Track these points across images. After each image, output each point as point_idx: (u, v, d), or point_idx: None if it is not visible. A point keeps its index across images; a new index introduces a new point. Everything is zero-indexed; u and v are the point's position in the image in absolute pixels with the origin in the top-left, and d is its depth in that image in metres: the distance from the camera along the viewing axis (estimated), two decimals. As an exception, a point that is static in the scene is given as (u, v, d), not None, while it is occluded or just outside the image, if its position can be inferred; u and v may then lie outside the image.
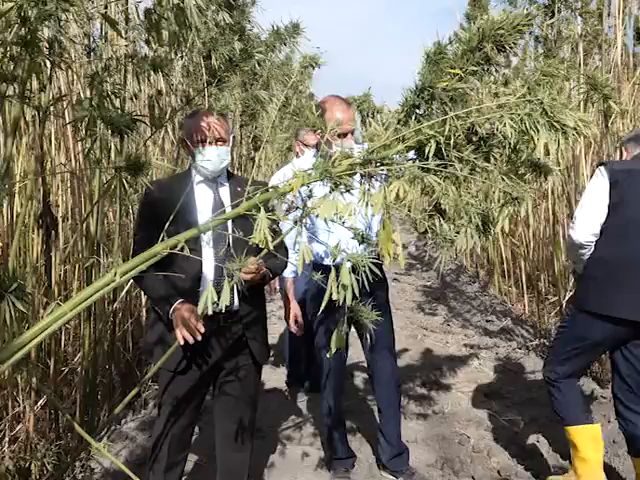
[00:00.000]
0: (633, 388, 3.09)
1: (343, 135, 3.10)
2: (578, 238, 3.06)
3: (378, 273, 1.56)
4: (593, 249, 3.07)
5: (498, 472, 3.57)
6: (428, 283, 9.23)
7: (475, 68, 1.50)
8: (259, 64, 4.67)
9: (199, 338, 2.47)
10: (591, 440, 3.19)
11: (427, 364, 5.49)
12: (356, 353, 4.40)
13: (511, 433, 4.04)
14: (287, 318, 3.60)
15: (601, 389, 4.52)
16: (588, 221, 3.05)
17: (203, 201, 2.69)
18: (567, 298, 4.82)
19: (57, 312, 1.46)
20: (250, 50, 3.98)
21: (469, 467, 3.65)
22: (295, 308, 3.58)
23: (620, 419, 3.16)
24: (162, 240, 2.44)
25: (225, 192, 2.74)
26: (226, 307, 2.57)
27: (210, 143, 2.64)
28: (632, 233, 2.99)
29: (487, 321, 6.87)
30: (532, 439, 3.92)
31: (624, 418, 3.12)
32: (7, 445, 3.18)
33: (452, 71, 1.47)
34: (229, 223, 2.59)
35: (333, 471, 3.58)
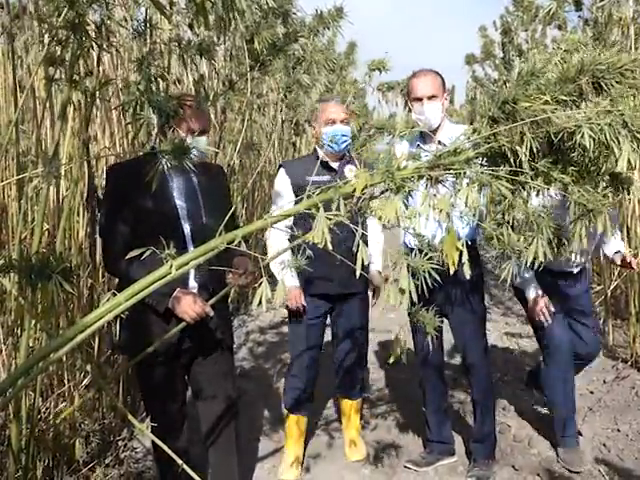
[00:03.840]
0: None
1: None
2: None
3: (437, 277, 1.54)
4: None
5: (539, 462, 3.54)
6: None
7: (565, 98, 1.43)
8: (302, 49, 4.64)
9: (210, 313, 2.55)
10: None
11: (467, 352, 5.43)
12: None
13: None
14: None
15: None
16: None
17: (175, 182, 2.69)
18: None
19: (113, 302, 1.48)
20: (293, 34, 3.95)
21: (509, 456, 3.62)
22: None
23: None
24: (138, 227, 2.49)
25: (194, 178, 2.74)
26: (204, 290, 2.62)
27: (203, 133, 2.65)
28: None
29: (529, 310, 6.77)
30: (574, 430, 3.86)
31: None
32: (52, 423, 3.24)
33: (542, 97, 1.41)
34: (202, 211, 2.64)
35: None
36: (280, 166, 3.51)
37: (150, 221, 2.55)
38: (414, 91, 3.22)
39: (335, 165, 3.39)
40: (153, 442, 2.79)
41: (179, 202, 2.65)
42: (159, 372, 2.71)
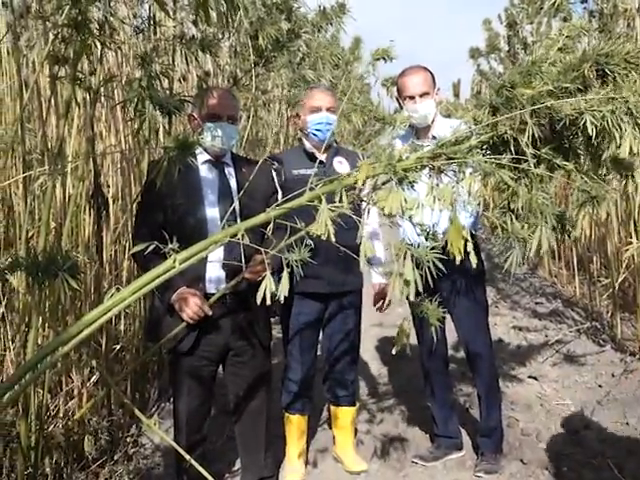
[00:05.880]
0: None
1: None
2: None
3: (442, 268, 1.52)
4: None
5: (548, 457, 3.53)
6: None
7: (568, 85, 1.42)
8: (306, 44, 4.64)
9: (209, 313, 2.55)
10: None
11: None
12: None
13: (560, 417, 3.98)
14: None
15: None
16: None
17: (209, 182, 2.70)
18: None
19: (117, 297, 1.49)
20: (297, 30, 3.95)
21: (518, 450, 3.61)
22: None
23: None
24: (166, 222, 2.49)
25: (230, 173, 2.75)
26: (233, 288, 2.60)
27: (222, 119, 2.66)
28: None
29: (536, 303, 6.77)
30: (581, 424, 3.84)
31: None
32: (60, 421, 3.25)
33: (544, 85, 1.40)
34: (236, 205, 2.53)
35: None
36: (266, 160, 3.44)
37: (176, 216, 2.59)
38: (406, 90, 3.24)
39: (323, 157, 3.21)
40: (174, 431, 2.84)
41: (208, 199, 2.67)
42: (186, 365, 2.73)
